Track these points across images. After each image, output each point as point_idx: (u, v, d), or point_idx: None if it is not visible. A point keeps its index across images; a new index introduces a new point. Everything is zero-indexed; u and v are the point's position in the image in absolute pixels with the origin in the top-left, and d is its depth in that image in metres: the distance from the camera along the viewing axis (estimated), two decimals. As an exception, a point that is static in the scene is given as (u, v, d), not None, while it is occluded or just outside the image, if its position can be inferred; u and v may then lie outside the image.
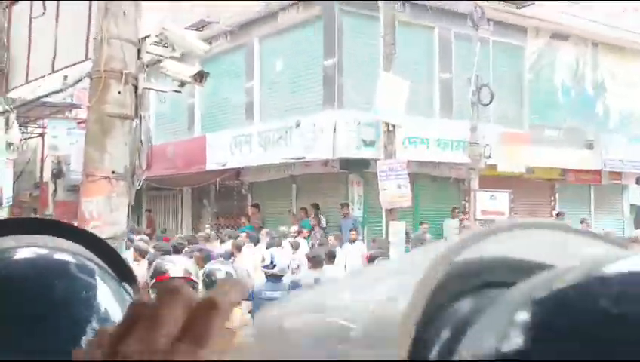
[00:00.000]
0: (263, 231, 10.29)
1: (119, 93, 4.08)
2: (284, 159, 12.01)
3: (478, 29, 11.84)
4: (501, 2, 13.12)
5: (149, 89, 4.55)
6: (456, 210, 12.58)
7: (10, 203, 9.35)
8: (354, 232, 10.95)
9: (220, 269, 4.10)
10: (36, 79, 5.73)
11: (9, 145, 6.76)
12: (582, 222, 13.40)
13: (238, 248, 7.43)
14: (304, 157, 11.63)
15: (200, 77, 4.31)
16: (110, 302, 0.58)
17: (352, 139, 11.18)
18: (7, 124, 6.27)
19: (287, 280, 5.78)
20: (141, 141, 4.19)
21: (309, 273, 5.84)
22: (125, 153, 4.12)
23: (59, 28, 5.06)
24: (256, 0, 12.63)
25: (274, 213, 13.67)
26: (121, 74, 4.06)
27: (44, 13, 3.84)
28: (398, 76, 10.95)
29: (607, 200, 15.78)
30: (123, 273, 0.65)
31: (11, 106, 5.39)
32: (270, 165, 12.96)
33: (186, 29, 14.48)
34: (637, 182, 15.79)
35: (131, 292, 0.63)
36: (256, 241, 9.42)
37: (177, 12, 15.05)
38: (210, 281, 3.98)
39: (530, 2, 13.04)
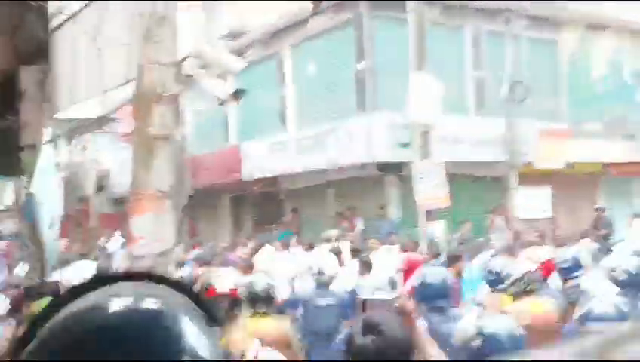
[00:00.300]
0: (294, 239, 10.32)
1: (161, 114, 4.23)
2: (320, 165, 12.10)
3: (510, 25, 11.73)
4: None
5: (190, 108, 4.71)
6: (500, 208, 12.34)
7: (63, 220, 9.74)
8: (392, 235, 10.97)
9: (259, 280, 4.12)
10: (81, 102, 5.98)
11: (58, 165, 7.04)
12: (637, 216, 13.17)
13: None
14: (340, 162, 11.70)
15: (237, 95, 4.45)
16: (203, 346, 0.62)
17: (388, 141, 11.20)
18: (55, 145, 6.55)
19: (339, 288, 5.76)
20: (184, 159, 4.34)
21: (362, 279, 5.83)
22: (170, 171, 4.27)
23: (101, 52, 5.27)
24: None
25: (312, 218, 13.78)
26: (163, 96, 4.21)
27: (96, 45, 4.01)
28: (430, 76, 10.92)
29: (653, 192, 15.34)
30: (212, 316, 0.68)
31: (60, 133, 5.63)
32: (307, 171, 13.09)
33: (219, 39, 14.79)
34: (684, 172, 15.29)
35: (220, 334, 0.67)
36: (287, 247, 9.53)
37: (209, 24, 15.36)
38: (249, 292, 4.01)
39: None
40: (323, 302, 5.45)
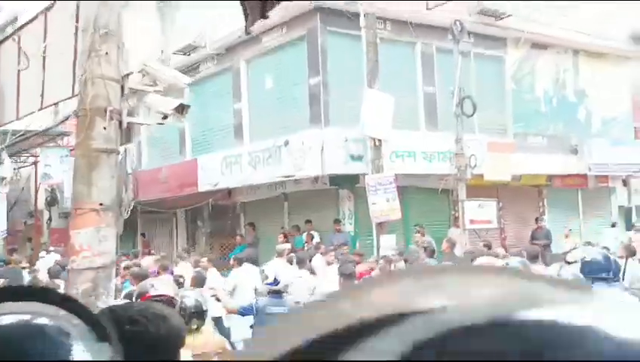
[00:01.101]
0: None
1: (104, 128, 4.28)
2: (274, 178, 12.21)
3: (458, 42, 12.14)
4: (481, 15, 13.46)
5: (134, 123, 4.77)
6: (458, 219, 12.58)
7: (5, 235, 9.54)
8: (346, 247, 11.14)
9: (189, 296, 4.20)
10: (26, 115, 5.95)
11: (2, 179, 6.92)
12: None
13: (164, 269, 7.79)
14: (293, 175, 11.84)
15: (181, 109, 4.53)
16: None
17: (340, 155, 11.39)
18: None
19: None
20: (127, 173, 4.39)
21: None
22: (112, 185, 4.31)
23: (46, 66, 5.28)
24: None
25: (267, 231, 13.83)
26: (106, 110, 4.27)
27: (29, 60, 4.04)
28: (382, 92, 11.22)
29: (596, 203, 16.01)
30: (100, 333, 0.68)
31: (3, 146, 5.57)
32: (261, 184, 13.17)
33: (173, 54, 14.79)
34: (624, 184, 16.05)
35: (108, 350, 0.68)
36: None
37: (165, 37, 15.36)
38: (180, 307, 4.11)
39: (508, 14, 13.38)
40: (278, 310, 5.60)
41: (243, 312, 5.88)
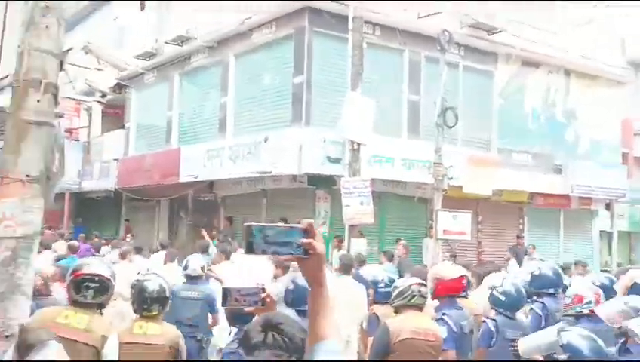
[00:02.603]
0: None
1: (38, 101, 4.32)
2: (252, 173, 12.24)
3: (445, 52, 12.12)
4: (472, 28, 13.46)
5: (70, 98, 4.81)
6: (432, 229, 12.59)
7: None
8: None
9: (152, 280, 4.22)
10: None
11: None
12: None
13: (123, 256, 8.14)
14: (270, 172, 11.86)
15: (119, 88, 4.56)
16: None
17: (318, 155, 11.41)
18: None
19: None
20: (58, 147, 4.41)
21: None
22: (40, 158, 4.35)
23: None
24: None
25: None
26: (40, 83, 4.31)
27: None
28: (366, 96, 11.23)
29: (577, 225, 15.93)
30: None
31: None
32: (242, 179, 13.21)
33: (166, 43, 14.88)
34: (607, 208, 15.97)
35: None
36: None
37: (161, 26, 15.45)
38: (137, 290, 4.12)
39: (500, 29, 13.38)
40: (188, 294, 5.90)
41: None
